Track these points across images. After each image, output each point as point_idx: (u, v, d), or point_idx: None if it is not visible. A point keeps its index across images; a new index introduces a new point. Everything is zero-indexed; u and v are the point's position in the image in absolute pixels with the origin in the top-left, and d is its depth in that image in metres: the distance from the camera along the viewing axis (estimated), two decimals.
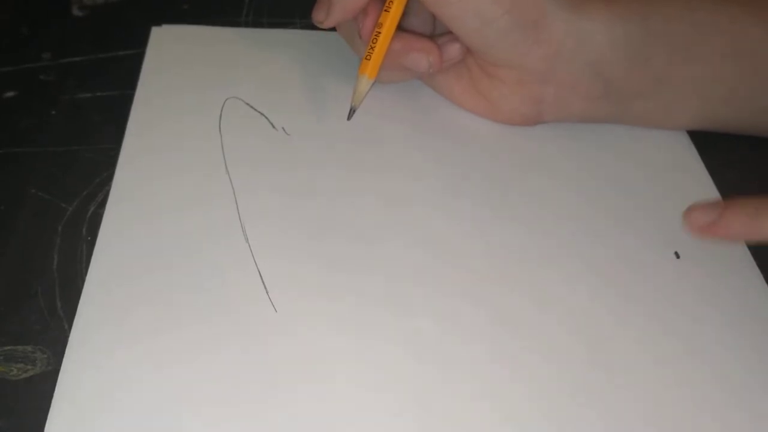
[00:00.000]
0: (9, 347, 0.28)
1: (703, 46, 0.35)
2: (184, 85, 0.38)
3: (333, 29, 0.39)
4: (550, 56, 0.34)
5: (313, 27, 0.42)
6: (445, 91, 0.38)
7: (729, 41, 0.35)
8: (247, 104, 0.37)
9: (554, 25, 0.33)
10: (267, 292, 0.30)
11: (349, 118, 0.35)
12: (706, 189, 0.36)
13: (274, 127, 0.36)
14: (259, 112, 0.37)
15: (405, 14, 0.36)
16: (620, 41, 0.34)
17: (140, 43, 0.40)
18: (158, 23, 0.41)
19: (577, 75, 0.35)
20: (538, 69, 0.35)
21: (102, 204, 0.32)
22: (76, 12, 0.43)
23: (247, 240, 0.31)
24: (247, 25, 0.43)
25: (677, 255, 0.32)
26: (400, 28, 0.35)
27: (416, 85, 0.39)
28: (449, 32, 0.35)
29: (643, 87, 0.36)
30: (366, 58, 0.34)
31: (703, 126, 0.38)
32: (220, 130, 0.36)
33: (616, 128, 0.38)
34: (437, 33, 0.37)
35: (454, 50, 0.35)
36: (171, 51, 0.40)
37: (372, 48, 0.34)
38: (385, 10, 0.34)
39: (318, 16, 0.34)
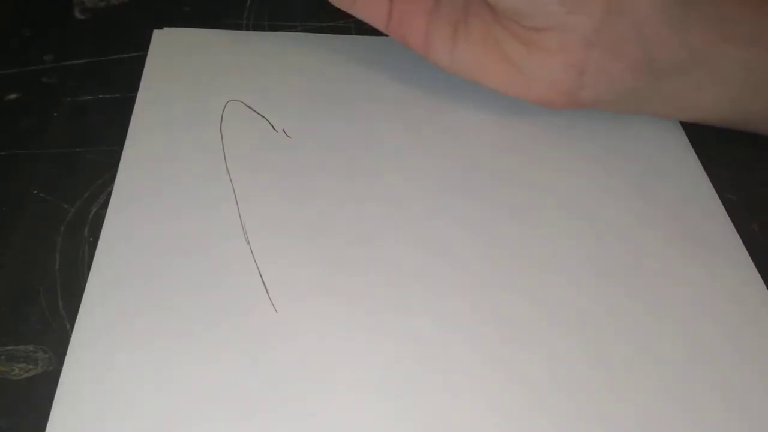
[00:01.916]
0: (10, 347, 0.28)
1: (732, 28, 0.34)
2: (185, 88, 0.38)
3: (335, 32, 0.39)
4: (597, 13, 0.32)
5: (315, 30, 0.42)
6: (473, 65, 0.35)
7: (751, 29, 0.34)
8: (248, 107, 0.37)
9: None
10: (268, 293, 0.30)
11: None
12: (701, 186, 0.36)
13: (275, 129, 0.37)
14: (260, 114, 0.37)
15: None
16: (662, 3, 0.32)
17: (142, 45, 0.40)
18: (160, 26, 0.41)
19: (621, 36, 0.33)
20: (584, 29, 0.32)
21: (104, 205, 0.33)
22: (78, 15, 0.43)
23: (247, 241, 0.31)
24: (248, 28, 0.43)
25: None
26: None
27: (418, 87, 0.39)
28: None
29: (680, 59, 0.34)
30: None
31: (728, 117, 0.37)
32: (221, 133, 0.36)
33: (612, 127, 0.38)
34: None
35: None
36: (172, 54, 0.40)
37: None
38: None
39: None
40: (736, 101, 0.36)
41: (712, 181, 0.36)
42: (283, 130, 0.37)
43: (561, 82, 0.34)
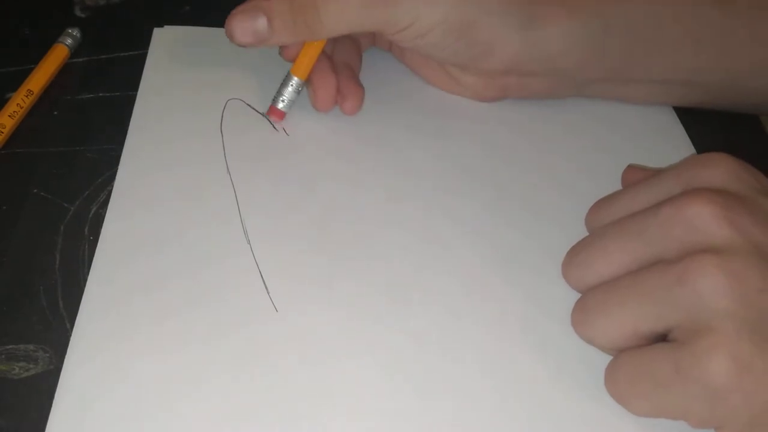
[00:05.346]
0: (11, 346, 0.28)
1: (661, 36, 0.36)
2: (185, 86, 0.38)
3: None
4: (506, 63, 0.35)
5: None
6: (417, 70, 0.40)
7: (688, 28, 0.36)
8: (248, 105, 0.37)
9: (509, 44, 0.35)
10: (268, 292, 0.30)
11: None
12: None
13: (274, 128, 0.37)
14: (260, 113, 0.37)
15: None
16: (577, 44, 0.35)
17: (142, 44, 0.40)
18: (160, 24, 0.41)
19: (535, 69, 0.36)
20: (497, 71, 0.36)
21: (104, 204, 0.33)
22: (78, 13, 0.43)
23: (248, 240, 0.31)
24: None
25: None
26: None
27: (417, 87, 0.39)
28: None
29: (600, 75, 0.37)
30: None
31: (664, 103, 0.40)
32: (221, 131, 0.36)
33: (608, 125, 0.39)
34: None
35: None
36: (173, 52, 0.40)
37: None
38: None
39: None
40: (666, 94, 0.38)
41: None
42: (283, 129, 0.37)
43: (487, 94, 0.39)
